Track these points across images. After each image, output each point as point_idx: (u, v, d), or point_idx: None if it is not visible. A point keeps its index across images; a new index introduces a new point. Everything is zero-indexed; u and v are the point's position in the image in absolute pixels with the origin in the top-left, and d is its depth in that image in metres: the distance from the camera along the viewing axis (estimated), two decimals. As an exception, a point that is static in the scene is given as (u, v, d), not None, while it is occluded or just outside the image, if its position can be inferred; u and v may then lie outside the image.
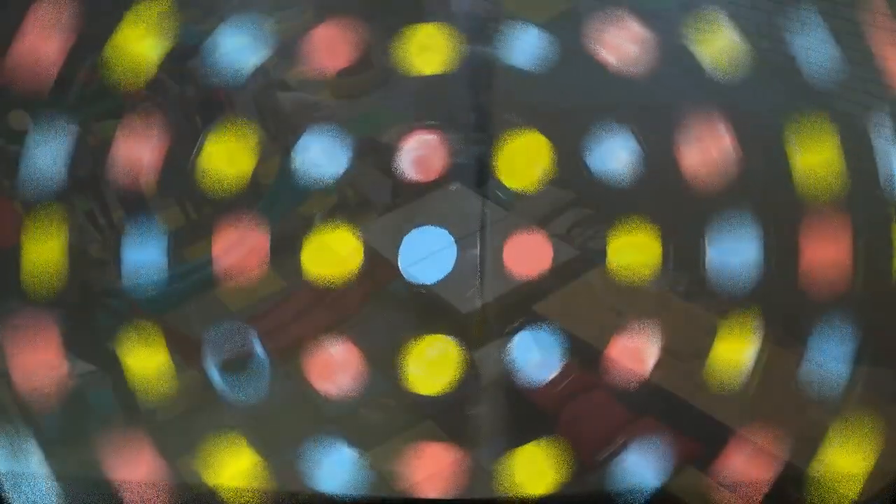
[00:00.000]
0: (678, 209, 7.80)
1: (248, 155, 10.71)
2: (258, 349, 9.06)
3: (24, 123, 11.12)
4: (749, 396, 6.31)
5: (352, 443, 8.03)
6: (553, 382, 7.10)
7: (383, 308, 9.38)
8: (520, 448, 7.30)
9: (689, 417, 6.44)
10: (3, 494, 6.58)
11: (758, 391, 6.37)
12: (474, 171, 9.65)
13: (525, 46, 9.03)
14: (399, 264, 8.95)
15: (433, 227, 8.87)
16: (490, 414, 7.76)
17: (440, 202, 9.34)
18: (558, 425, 6.93)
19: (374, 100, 12.60)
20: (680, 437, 6.45)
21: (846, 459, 5.65)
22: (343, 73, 13.08)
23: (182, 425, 8.69)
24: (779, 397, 6.33)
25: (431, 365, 8.38)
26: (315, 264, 9.78)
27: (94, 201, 11.40)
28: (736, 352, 6.60)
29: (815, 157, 6.46)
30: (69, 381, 9.12)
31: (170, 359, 9.42)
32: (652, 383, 6.72)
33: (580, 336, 7.23)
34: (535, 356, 7.32)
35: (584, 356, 7.22)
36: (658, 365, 6.77)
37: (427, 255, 8.68)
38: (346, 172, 10.81)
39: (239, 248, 10.12)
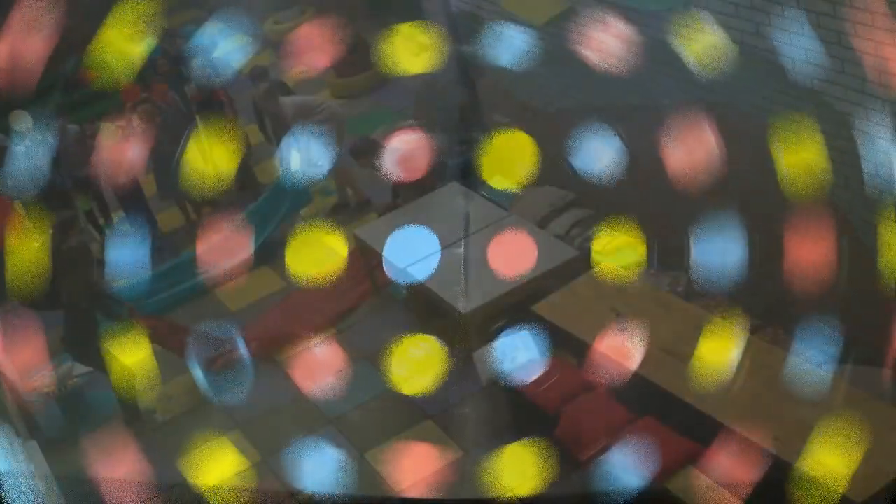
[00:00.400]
0: (670, 209, 7.81)
1: (231, 155, 10.80)
2: (243, 351, 9.09)
3: (23, 123, 11.15)
4: (744, 394, 6.31)
5: (351, 443, 8.04)
6: (551, 381, 7.10)
7: (382, 307, 9.40)
8: (517, 448, 7.30)
9: (687, 417, 6.43)
10: (2, 494, 6.58)
11: (753, 389, 6.37)
12: (463, 170, 9.67)
13: (517, 47, 9.04)
14: (385, 264, 8.99)
15: (419, 227, 8.89)
16: (488, 414, 7.76)
17: (439, 203, 9.34)
18: (558, 425, 6.93)
19: (373, 100, 12.64)
20: (679, 436, 6.44)
21: (835, 456, 5.66)
22: (343, 74, 13.14)
23: (182, 426, 8.69)
24: (774, 395, 6.33)
25: (415, 365, 8.43)
26: (300, 264, 9.87)
27: (94, 201, 11.43)
28: (725, 350, 6.61)
29: (804, 157, 6.47)
30: (69, 381, 9.13)
31: (160, 359, 9.46)
32: (651, 383, 6.72)
33: (580, 336, 7.23)
34: (520, 355, 7.32)
35: (584, 356, 7.22)
36: (657, 365, 6.77)
37: (424, 257, 8.69)
38: (334, 172, 10.87)
39: (223, 249, 10.20)
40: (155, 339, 9.03)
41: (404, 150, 9.47)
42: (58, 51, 10.81)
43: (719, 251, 7.46)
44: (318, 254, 9.87)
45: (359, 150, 9.89)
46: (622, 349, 7.01)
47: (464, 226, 8.88)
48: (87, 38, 10.71)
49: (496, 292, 8.03)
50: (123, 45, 11.38)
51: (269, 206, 10.66)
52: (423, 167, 9.44)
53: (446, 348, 8.49)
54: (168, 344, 9.19)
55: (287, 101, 10.77)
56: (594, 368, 7.09)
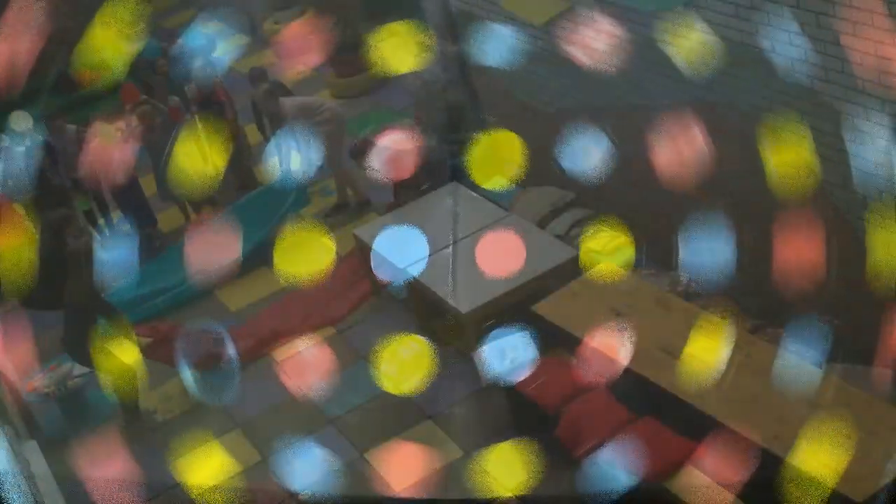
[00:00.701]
0: (670, 208, 7.82)
1: (220, 154, 10.86)
2: (231, 351, 9.11)
3: (23, 123, 11.16)
4: (743, 394, 6.32)
5: (351, 443, 8.04)
6: (551, 381, 7.09)
7: (382, 307, 9.40)
8: (516, 447, 7.32)
9: (687, 417, 6.43)
10: (2, 494, 6.59)
11: (753, 388, 6.37)
12: (464, 170, 9.68)
13: (515, 46, 9.05)
14: (372, 264, 9.04)
15: (409, 228, 8.92)
16: (488, 414, 7.77)
17: (439, 203, 9.34)
18: (558, 425, 6.93)
19: (373, 100, 12.64)
20: (679, 436, 6.44)
21: (834, 455, 5.65)
22: (343, 74, 13.14)
23: (182, 426, 8.70)
24: (773, 394, 6.32)
25: (404, 365, 8.47)
26: (289, 264, 9.91)
27: (93, 201, 11.43)
28: (723, 350, 6.61)
29: (800, 156, 6.47)
30: (69, 381, 9.13)
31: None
32: (651, 383, 6.72)
33: (580, 336, 7.23)
34: (520, 355, 7.33)
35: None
36: (657, 365, 6.77)
37: (412, 257, 8.71)
38: (335, 172, 10.89)
39: (209, 245, 10.25)
40: (147, 351, 9.05)
41: (393, 150, 9.47)
42: (51, 51, 10.83)
43: (718, 251, 7.47)
44: (308, 254, 9.94)
45: (358, 151, 9.89)
46: (622, 349, 7.01)
47: (453, 226, 8.87)
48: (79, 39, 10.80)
49: (496, 292, 8.03)
50: (114, 44, 11.40)
51: (259, 204, 10.65)
52: (412, 166, 9.44)
53: (447, 348, 8.51)
54: (159, 355, 9.16)
55: (287, 101, 10.77)
56: (594, 368, 7.09)
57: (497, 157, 9.76)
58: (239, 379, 9.01)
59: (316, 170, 11.14)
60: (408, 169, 9.47)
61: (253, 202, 10.72)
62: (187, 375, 8.91)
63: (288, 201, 10.63)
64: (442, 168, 9.66)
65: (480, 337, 7.76)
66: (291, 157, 10.73)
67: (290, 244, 9.94)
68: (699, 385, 6.57)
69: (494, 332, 7.63)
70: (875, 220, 6.35)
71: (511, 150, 9.60)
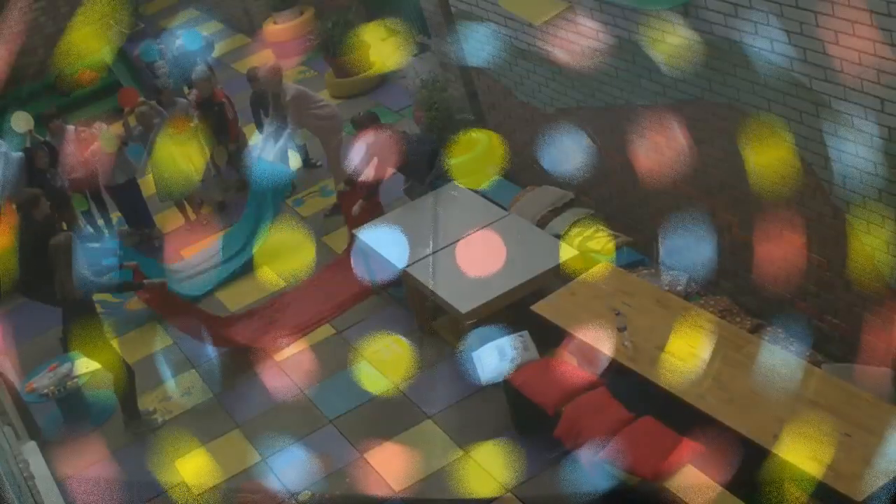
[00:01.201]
0: (670, 207, 7.82)
1: (197, 154, 10.92)
2: (210, 349, 9.17)
3: (24, 124, 11.16)
4: (743, 393, 6.31)
5: (351, 443, 8.05)
6: (551, 381, 7.09)
7: (382, 307, 9.40)
8: (515, 447, 7.32)
9: (687, 416, 6.41)
10: (2, 494, 6.59)
11: (753, 388, 6.36)
12: (434, 169, 9.68)
13: (513, 46, 9.05)
14: (356, 267, 9.06)
15: (407, 228, 8.94)
16: (488, 414, 7.76)
17: (438, 202, 9.33)
18: (558, 425, 6.93)
19: (373, 100, 12.64)
20: (679, 436, 6.43)
21: (835, 454, 5.65)
22: (342, 74, 13.15)
23: (181, 426, 8.71)
24: (773, 394, 6.31)
25: (385, 364, 8.48)
26: (271, 261, 10.07)
27: (92, 201, 11.43)
28: (723, 349, 6.62)
29: (794, 156, 6.49)
30: (69, 381, 9.13)
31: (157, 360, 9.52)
32: (651, 383, 6.72)
33: (579, 335, 7.22)
34: (519, 355, 7.32)
35: (583, 355, 7.22)
36: (657, 364, 6.77)
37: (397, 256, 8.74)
38: (332, 171, 10.91)
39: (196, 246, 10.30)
40: (156, 306, 9.16)
41: (370, 150, 9.42)
42: (51, 52, 10.76)
43: (716, 250, 7.47)
44: (291, 254, 9.97)
45: (361, 124, 9.72)
46: (621, 348, 7.02)
47: (451, 226, 8.87)
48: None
49: (495, 292, 8.02)
50: (96, 41, 11.39)
51: (257, 210, 10.68)
52: (392, 167, 9.44)
53: (446, 348, 8.51)
54: (165, 312, 9.27)
55: (290, 85, 10.81)
56: (593, 368, 7.09)
57: (481, 158, 9.79)
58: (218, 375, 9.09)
59: (311, 168, 11.21)
60: (387, 169, 9.48)
61: (250, 215, 10.76)
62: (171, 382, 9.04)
63: (268, 198, 10.67)
64: (425, 167, 9.59)
65: (479, 336, 7.75)
66: (276, 153, 10.74)
67: (272, 245, 10.06)
68: (698, 384, 6.57)
69: (492, 332, 7.62)
70: (874, 220, 6.35)
71: (490, 148, 9.66)
